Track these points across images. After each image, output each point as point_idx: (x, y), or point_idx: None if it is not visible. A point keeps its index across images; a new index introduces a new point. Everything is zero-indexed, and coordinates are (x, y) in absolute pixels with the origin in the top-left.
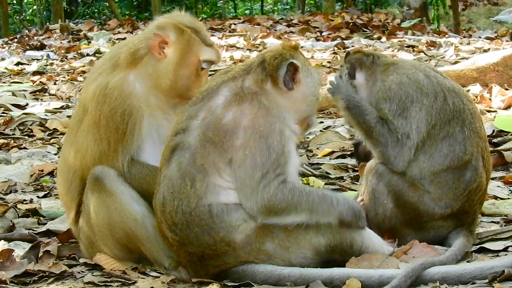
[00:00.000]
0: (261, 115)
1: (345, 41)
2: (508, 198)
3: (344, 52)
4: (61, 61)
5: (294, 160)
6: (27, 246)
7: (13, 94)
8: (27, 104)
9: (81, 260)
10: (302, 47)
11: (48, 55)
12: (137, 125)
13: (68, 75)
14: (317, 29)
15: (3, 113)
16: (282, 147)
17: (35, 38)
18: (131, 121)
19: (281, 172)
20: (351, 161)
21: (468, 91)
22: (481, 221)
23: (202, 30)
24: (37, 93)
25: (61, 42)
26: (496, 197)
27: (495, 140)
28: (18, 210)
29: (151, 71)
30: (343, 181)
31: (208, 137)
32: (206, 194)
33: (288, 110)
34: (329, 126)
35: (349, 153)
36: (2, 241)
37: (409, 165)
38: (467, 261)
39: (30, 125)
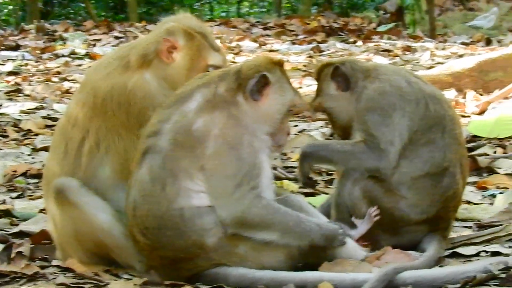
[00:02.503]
0: (230, 126)
1: (321, 45)
2: (481, 203)
3: (320, 55)
4: (36, 61)
5: (267, 172)
6: (0, 247)
7: None
8: (1, 105)
9: (54, 262)
10: (277, 50)
11: (23, 56)
12: None
13: (43, 76)
14: (293, 33)
15: None
16: (253, 159)
17: (10, 38)
18: None
19: (255, 186)
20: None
21: None
22: (454, 226)
23: (210, 35)
24: (12, 93)
25: (36, 43)
26: (469, 202)
27: (469, 145)
28: None
29: (162, 74)
30: (317, 185)
31: (178, 142)
32: (177, 198)
33: (257, 121)
34: (304, 130)
35: None
36: None
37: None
38: (439, 266)
39: (4, 125)
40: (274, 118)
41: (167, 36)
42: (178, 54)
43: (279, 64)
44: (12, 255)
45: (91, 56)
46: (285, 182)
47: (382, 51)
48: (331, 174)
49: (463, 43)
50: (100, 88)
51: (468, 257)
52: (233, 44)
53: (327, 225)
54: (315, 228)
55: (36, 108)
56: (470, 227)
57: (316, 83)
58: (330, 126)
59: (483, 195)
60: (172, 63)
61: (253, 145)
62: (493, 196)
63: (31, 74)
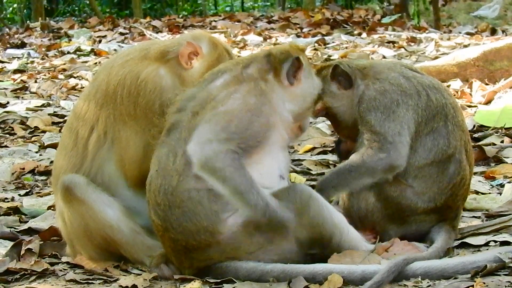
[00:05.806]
0: (254, 94)
1: (325, 37)
2: (489, 193)
3: (325, 48)
4: (42, 59)
5: (275, 154)
6: (9, 244)
7: None
8: (8, 102)
9: (63, 259)
10: (282, 43)
11: (29, 53)
12: None
13: (49, 73)
14: (298, 26)
15: None
16: (259, 132)
17: (16, 36)
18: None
19: (241, 147)
20: (332, 157)
21: (448, 86)
22: (462, 216)
23: (232, 54)
24: (18, 91)
25: (41, 40)
26: (477, 192)
27: (476, 135)
28: None
29: (177, 73)
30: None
31: (195, 111)
32: (185, 169)
33: (285, 100)
34: (310, 122)
35: (330, 149)
36: None
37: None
38: (449, 257)
39: (11, 123)
40: (306, 101)
41: (192, 40)
42: (197, 61)
43: (303, 50)
44: (22, 252)
45: (96, 53)
46: (293, 174)
47: (387, 42)
48: None
49: (468, 33)
50: (114, 75)
51: (477, 247)
52: (238, 38)
53: (275, 209)
54: (262, 204)
55: (42, 105)
56: (478, 217)
57: None
58: (334, 130)
59: (491, 185)
60: (190, 69)
61: (269, 119)
62: (501, 185)
63: (37, 72)
